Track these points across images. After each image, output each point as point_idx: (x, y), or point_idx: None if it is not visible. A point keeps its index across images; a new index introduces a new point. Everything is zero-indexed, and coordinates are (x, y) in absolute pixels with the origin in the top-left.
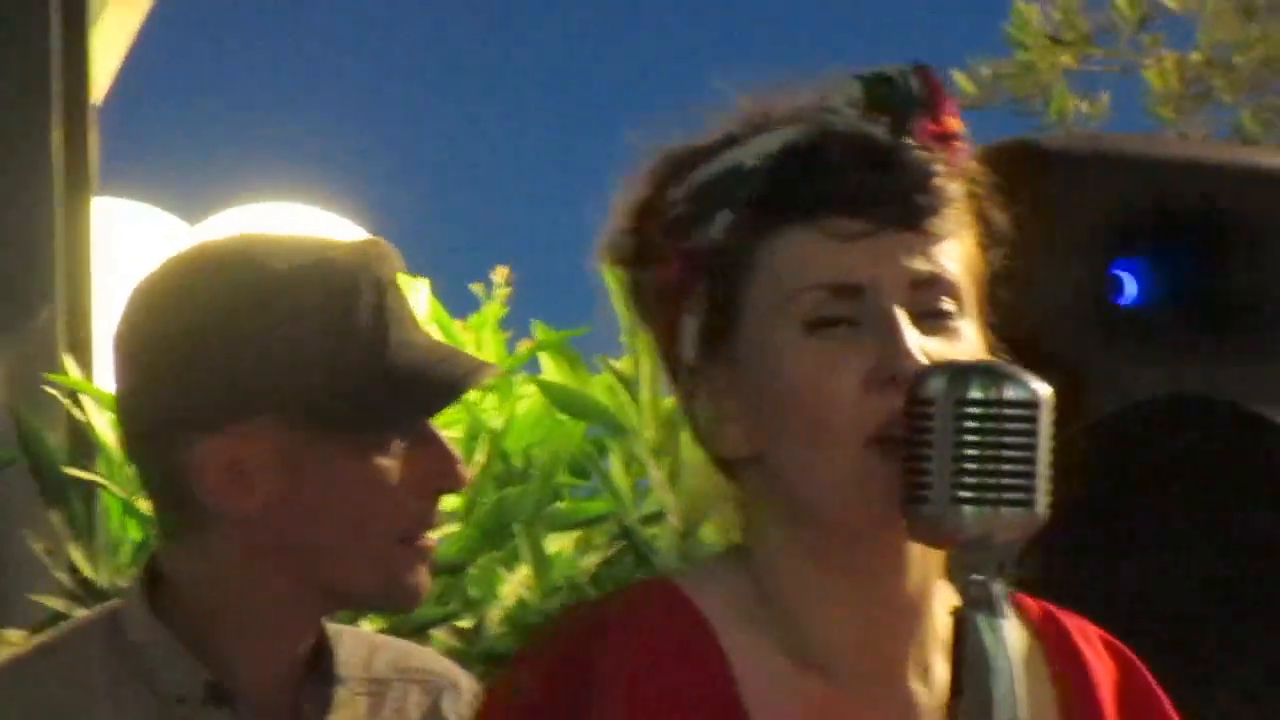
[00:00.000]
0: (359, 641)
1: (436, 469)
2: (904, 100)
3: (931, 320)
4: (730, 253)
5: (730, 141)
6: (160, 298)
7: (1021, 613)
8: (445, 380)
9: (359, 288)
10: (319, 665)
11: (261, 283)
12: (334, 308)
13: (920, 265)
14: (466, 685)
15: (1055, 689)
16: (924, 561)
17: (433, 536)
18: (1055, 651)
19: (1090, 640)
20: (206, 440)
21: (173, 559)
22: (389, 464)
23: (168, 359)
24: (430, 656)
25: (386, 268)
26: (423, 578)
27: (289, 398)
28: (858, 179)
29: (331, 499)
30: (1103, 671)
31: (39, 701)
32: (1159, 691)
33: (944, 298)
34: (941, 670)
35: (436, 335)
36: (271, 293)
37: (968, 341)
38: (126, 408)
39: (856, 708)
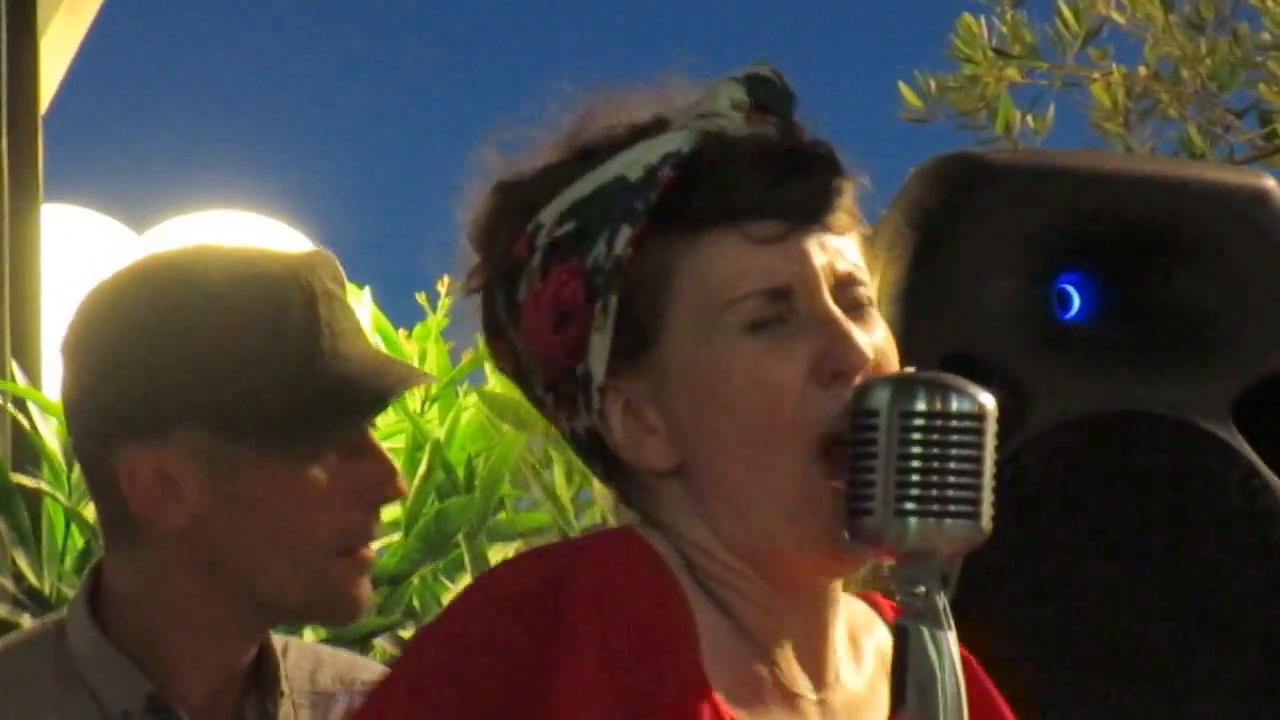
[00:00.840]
0: (304, 654)
1: (374, 480)
2: (786, 98)
3: (854, 313)
4: (642, 266)
5: (586, 158)
6: (100, 307)
7: (880, 611)
8: (374, 389)
9: (289, 299)
10: (262, 677)
11: (192, 294)
12: (262, 319)
13: (840, 262)
14: None
15: None
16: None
17: (373, 547)
18: None
19: None
20: (134, 449)
21: (113, 569)
22: (321, 475)
23: (101, 367)
24: (377, 669)
25: (322, 278)
26: (364, 589)
27: (215, 408)
28: (770, 181)
29: (262, 511)
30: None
31: None
32: (987, 677)
33: (861, 289)
34: (862, 665)
35: (380, 345)
36: (201, 304)
37: (884, 330)
38: (67, 415)
39: (804, 711)
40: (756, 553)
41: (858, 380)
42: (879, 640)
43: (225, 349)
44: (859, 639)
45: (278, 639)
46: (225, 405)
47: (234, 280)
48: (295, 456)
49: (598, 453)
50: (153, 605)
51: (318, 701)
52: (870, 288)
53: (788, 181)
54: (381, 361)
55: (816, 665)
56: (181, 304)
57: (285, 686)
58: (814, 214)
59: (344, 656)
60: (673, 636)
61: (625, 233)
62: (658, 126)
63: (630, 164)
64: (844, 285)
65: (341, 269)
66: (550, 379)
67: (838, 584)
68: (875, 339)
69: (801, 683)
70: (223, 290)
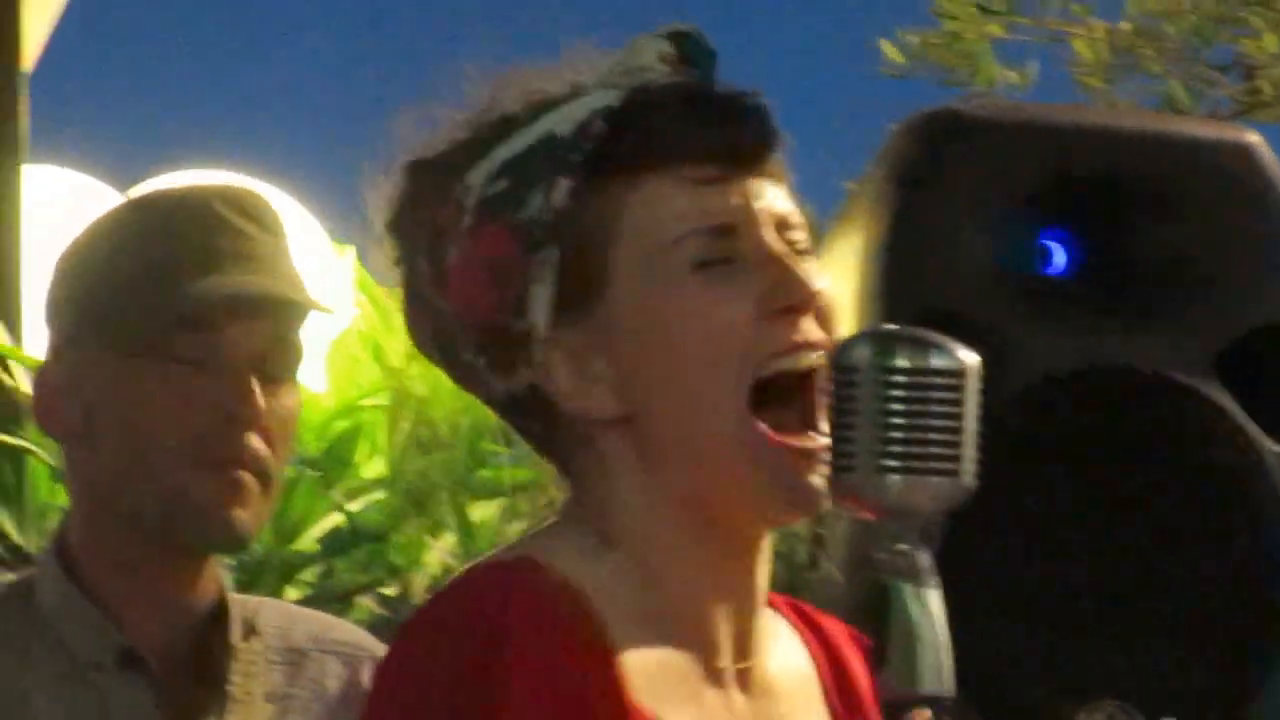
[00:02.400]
0: (277, 612)
1: (226, 394)
2: (708, 54)
3: (797, 258)
4: (582, 217)
5: (509, 123)
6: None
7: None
8: (224, 303)
9: (159, 223)
10: (221, 630)
11: (92, 227)
12: (129, 242)
13: (779, 205)
14: None
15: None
16: (768, 545)
17: (249, 474)
18: (818, 645)
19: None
20: (51, 365)
21: (69, 519)
22: (164, 384)
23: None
24: (350, 629)
25: (214, 206)
26: (236, 513)
27: (92, 324)
28: (702, 123)
29: (113, 424)
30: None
31: None
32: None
33: (799, 233)
34: (779, 654)
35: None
36: (102, 229)
37: (824, 275)
38: None
39: (727, 685)
40: (696, 500)
41: (803, 321)
42: (785, 627)
43: (90, 271)
44: (772, 624)
45: (251, 598)
46: (94, 321)
47: (126, 210)
48: (140, 368)
49: (538, 411)
50: (90, 549)
51: (291, 658)
52: (807, 234)
53: (720, 124)
54: (260, 285)
55: (741, 635)
56: (90, 232)
57: (235, 638)
58: (751, 159)
59: (317, 616)
60: (592, 685)
61: (563, 186)
62: (577, 93)
63: (559, 121)
64: (783, 227)
65: (258, 202)
66: (483, 340)
67: (767, 548)
68: (818, 279)
69: (724, 653)
70: (111, 220)
